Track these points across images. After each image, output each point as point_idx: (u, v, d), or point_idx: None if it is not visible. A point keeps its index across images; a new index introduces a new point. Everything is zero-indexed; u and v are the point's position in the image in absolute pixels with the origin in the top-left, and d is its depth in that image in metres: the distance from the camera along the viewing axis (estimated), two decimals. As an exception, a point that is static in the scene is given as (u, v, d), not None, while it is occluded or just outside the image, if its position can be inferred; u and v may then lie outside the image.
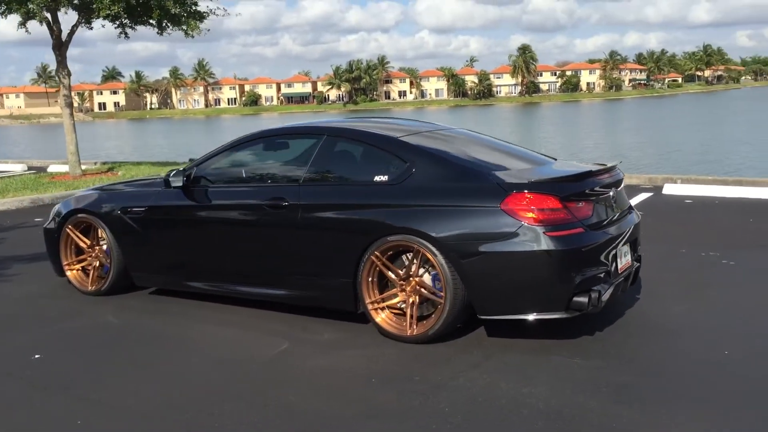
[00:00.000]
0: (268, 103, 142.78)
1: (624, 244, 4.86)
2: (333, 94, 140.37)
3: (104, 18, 14.08)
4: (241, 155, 5.76)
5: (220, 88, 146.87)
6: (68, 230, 6.16)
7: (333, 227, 4.91)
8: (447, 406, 3.72)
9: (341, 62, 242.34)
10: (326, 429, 3.56)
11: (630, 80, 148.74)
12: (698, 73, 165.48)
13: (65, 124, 15.03)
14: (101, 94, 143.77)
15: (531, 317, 4.43)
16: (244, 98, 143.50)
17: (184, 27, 14.53)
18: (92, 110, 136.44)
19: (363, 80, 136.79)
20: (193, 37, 14.65)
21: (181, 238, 5.66)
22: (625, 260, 4.88)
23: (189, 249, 5.64)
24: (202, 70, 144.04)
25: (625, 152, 30.44)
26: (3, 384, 4.29)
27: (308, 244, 4.99)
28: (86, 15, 14.45)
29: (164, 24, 14.52)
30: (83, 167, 15.51)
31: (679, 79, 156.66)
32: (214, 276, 5.54)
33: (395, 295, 4.74)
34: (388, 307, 4.79)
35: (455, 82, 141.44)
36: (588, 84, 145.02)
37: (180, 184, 5.51)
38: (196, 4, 14.72)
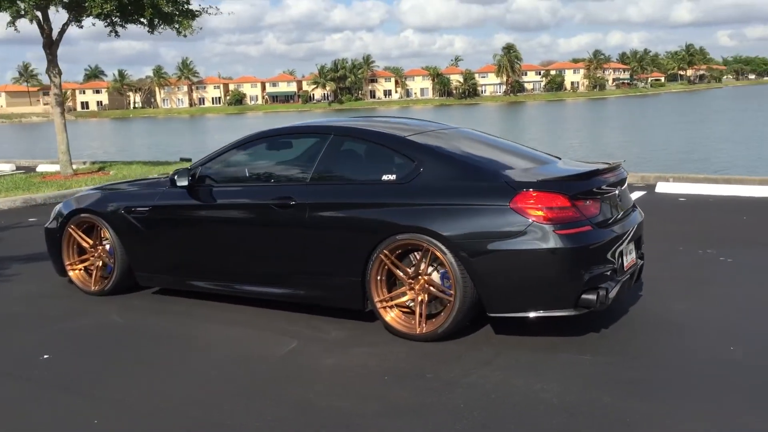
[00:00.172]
0: (252, 103, 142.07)
1: (629, 242, 4.92)
2: (318, 93, 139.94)
3: (96, 17, 13.99)
4: (247, 154, 5.75)
5: (205, 87, 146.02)
6: (71, 230, 6.13)
7: (341, 226, 4.92)
8: (462, 403, 3.75)
9: (326, 61, 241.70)
10: (348, 426, 3.58)
11: (614, 79, 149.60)
12: (681, 72, 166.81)
13: (56, 123, 14.90)
14: (84, 93, 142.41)
15: (540, 314, 4.48)
16: (228, 97, 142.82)
17: (176, 26, 14.43)
18: (75, 109, 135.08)
19: (348, 79, 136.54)
20: (185, 36, 14.58)
21: (187, 238, 5.65)
22: (630, 258, 4.94)
23: (194, 248, 5.63)
24: (186, 69, 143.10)
25: (612, 151, 30.64)
26: (12, 384, 4.28)
27: (316, 243, 5.00)
28: (77, 13, 14.32)
29: (156, 23, 14.42)
30: (74, 167, 15.39)
31: (662, 79, 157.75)
32: (219, 275, 5.54)
33: (404, 294, 4.77)
34: (397, 305, 4.82)
35: (440, 81, 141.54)
36: (572, 83, 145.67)
37: (185, 183, 5.50)
38: (188, 2, 14.64)
